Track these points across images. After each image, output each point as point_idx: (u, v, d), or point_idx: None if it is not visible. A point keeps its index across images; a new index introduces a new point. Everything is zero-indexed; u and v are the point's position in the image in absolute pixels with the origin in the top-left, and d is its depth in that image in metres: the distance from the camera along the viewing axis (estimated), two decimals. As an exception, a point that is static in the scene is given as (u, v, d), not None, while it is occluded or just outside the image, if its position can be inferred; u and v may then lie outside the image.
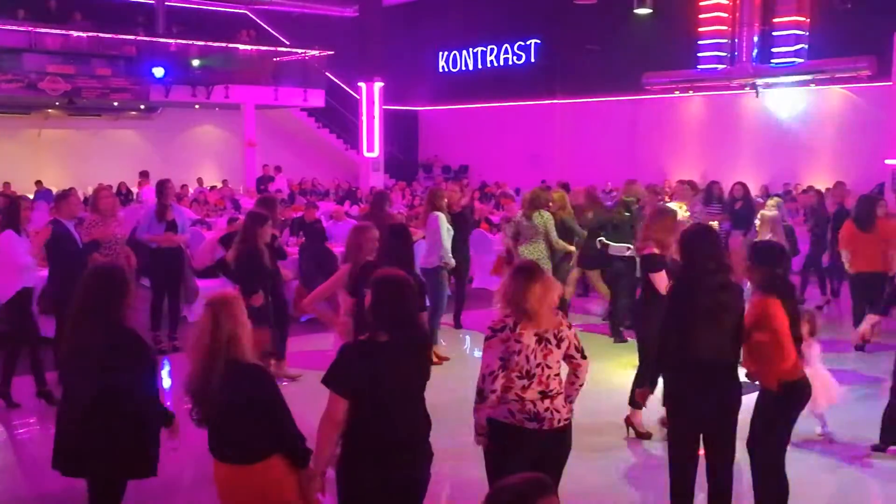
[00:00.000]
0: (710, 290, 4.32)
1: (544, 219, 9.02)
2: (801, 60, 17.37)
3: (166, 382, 8.00)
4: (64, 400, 4.07)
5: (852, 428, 6.39)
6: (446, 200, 9.18)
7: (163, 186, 9.05)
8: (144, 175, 17.70)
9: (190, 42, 21.04)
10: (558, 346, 3.91)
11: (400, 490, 3.51)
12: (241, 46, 22.19)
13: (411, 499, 3.57)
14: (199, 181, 20.60)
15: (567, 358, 3.98)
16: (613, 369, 7.71)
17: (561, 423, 3.89)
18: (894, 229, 9.02)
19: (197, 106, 21.98)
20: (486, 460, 3.97)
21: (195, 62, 20.70)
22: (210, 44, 21.14)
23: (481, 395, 3.89)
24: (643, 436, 6.15)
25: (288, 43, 23.65)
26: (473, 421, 3.94)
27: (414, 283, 3.94)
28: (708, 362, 4.32)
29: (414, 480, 3.55)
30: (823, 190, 13.56)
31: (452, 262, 8.66)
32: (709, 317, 4.31)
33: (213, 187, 19.48)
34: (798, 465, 5.33)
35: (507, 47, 23.92)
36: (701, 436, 4.45)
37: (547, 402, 3.86)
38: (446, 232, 8.64)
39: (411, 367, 3.55)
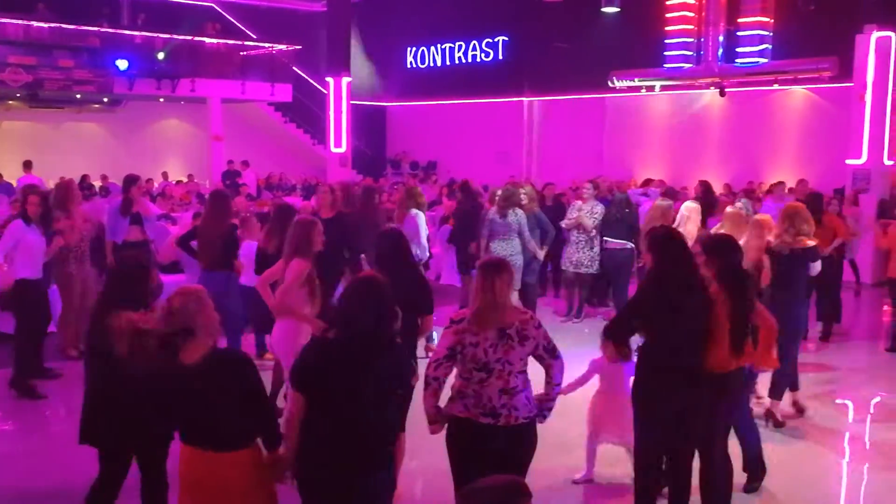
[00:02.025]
0: (678, 293, 4.35)
1: (518, 217, 9.25)
2: (765, 60, 17.58)
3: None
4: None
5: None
6: (424, 198, 9.63)
7: (127, 183, 9.04)
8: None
9: (155, 34, 20.75)
10: (521, 344, 3.89)
11: (341, 493, 3.45)
12: (208, 40, 21.93)
13: (355, 501, 3.51)
14: (164, 175, 20.36)
15: (537, 358, 3.98)
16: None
17: (518, 422, 3.87)
18: (839, 224, 9.46)
19: (162, 99, 21.70)
20: (448, 456, 3.98)
21: (160, 55, 20.42)
22: (175, 36, 20.87)
23: (426, 381, 3.94)
24: (779, 424, 6.60)
25: (255, 37, 23.44)
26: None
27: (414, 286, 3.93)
28: (674, 366, 4.36)
29: (358, 486, 3.47)
30: (787, 189, 13.80)
31: (426, 257, 8.97)
32: (675, 320, 4.34)
33: (178, 181, 19.26)
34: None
35: (475, 44, 23.91)
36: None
37: (505, 398, 3.86)
38: (424, 230, 8.86)
39: (359, 368, 3.47)
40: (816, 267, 6.67)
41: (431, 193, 17.41)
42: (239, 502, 3.49)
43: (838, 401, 7.66)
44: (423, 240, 8.82)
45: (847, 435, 6.77)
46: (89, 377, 4.43)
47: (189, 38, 21.19)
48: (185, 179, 19.59)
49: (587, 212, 10.04)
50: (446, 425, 3.97)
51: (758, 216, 7.14)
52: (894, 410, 7.44)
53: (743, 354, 4.61)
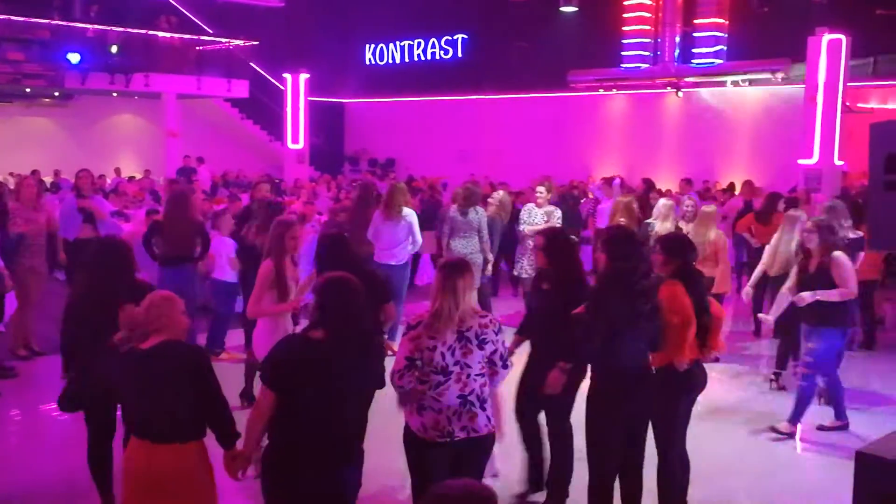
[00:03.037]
0: (633, 295, 4.34)
1: (479, 215, 9.28)
2: (720, 61, 17.83)
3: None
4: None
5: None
6: (408, 197, 9.50)
7: (79, 177, 8.88)
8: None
9: (108, 28, 20.36)
10: (480, 348, 3.86)
11: (315, 490, 3.44)
12: (162, 34, 21.59)
13: (328, 500, 3.49)
14: (117, 171, 19.98)
15: (489, 362, 3.95)
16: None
17: (476, 436, 3.87)
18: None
19: (115, 94, 21.32)
20: (409, 465, 3.95)
21: (113, 48, 20.05)
22: (129, 30, 20.50)
23: (397, 390, 3.91)
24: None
25: (211, 31, 23.14)
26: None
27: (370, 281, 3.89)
28: (628, 370, 4.36)
29: (333, 483, 3.47)
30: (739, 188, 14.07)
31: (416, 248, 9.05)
32: (630, 321, 4.34)
33: (131, 178, 18.92)
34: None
35: (434, 41, 23.90)
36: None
37: (465, 419, 3.82)
38: (418, 228, 8.93)
39: (346, 368, 3.47)
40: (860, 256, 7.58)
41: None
42: (181, 495, 3.48)
43: (789, 395, 7.78)
44: (419, 237, 8.92)
45: (798, 430, 6.88)
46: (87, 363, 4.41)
47: (143, 31, 20.84)
48: (138, 176, 19.26)
49: (543, 215, 9.50)
50: (403, 430, 3.93)
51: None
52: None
53: (707, 349, 4.73)
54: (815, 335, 6.38)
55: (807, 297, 6.24)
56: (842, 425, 6.63)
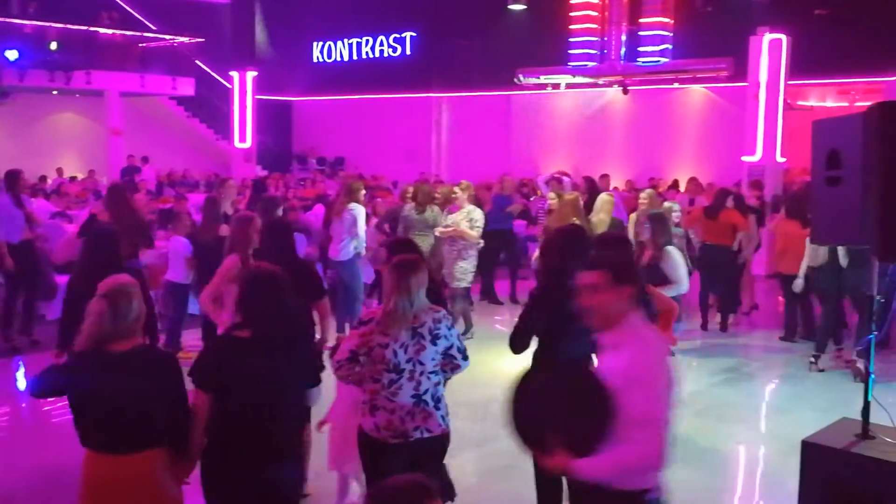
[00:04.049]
0: (569, 296, 4.32)
1: (434, 213, 9.41)
2: (665, 60, 18.09)
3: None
4: None
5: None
6: (363, 192, 9.44)
7: (13, 177, 8.63)
8: None
9: (47, 24, 19.85)
10: (433, 343, 3.85)
11: (253, 488, 3.41)
12: (103, 30, 21.12)
13: (267, 499, 3.46)
14: (59, 171, 19.51)
15: (448, 357, 3.95)
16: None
17: (431, 436, 3.86)
18: (738, 217, 9.79)
19: (55, 92, 20.81)
20: (363, 465, 3.93)
21: (53, 45, 19.55)
22: (69, 26, 20.01)
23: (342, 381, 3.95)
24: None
25: (155, 28, 22.72)
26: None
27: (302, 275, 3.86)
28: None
29: (270, 479, 3.43)
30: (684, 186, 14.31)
31: (363, 250, 8.90)
32: (573, 322, 4.35)
33: (73, 178, 18.50)
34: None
35: (382, 39, 23.81)
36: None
37: (419, 418, 3.81)
38: (363, 224, 8.86)
39: (275, 366, 3.43)
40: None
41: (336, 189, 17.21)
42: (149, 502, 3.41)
43: (737, 387, 7.95)
44: (362, 233, 8.85)
45: (745, 420, 7.02)
46: None
47: (84, 28, 20.37)
48: (80, 176, 18.82)
49: (464, 219, 9.10)
50: (357, 432, 3.91)
51: None
52: (788, 397, 7.74)
53: None
54: None
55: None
56: None
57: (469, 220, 9.08)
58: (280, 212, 7.36)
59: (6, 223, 8.49)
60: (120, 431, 3.35)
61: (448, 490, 4.17)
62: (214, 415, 3.42)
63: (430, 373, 3.84)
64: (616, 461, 2.86)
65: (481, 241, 9.23)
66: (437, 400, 3.89)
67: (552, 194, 10.28)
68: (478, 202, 9.97)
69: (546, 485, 4.49)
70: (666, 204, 9.35)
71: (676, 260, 6.33)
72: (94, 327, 3.39)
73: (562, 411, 2.98)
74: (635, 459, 2.88)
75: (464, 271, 9.14)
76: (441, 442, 3.93)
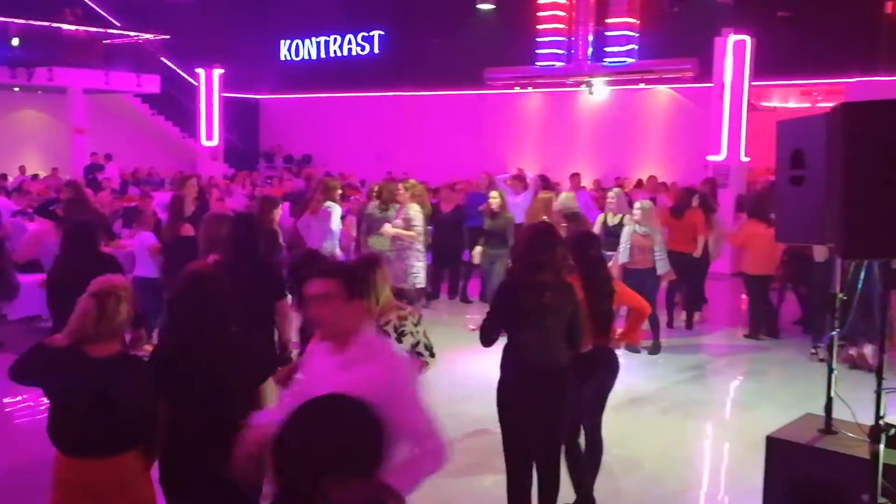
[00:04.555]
0: (535, 290, 4.29)
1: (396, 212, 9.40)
2: (631, 60, 18.24)
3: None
4: None
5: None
6: (340, 192, 9.36)
7: None
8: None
9: (8, 19, 19.50)
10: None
11: (214, 486, 3.37)
12: (67, 26, 20.80)
13: (228, 496, 3.43)
14: (21, 169, 19.18)
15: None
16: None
17: None
18: (701, 218, 9.87)
19: (17, 88, 20.45)
20: None
21: (14, 41, 19.21)
22: (31, 22, 19.68)
23: None
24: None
25: (119, 24, 22.42)
26: None
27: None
28: (534, 365, 4.33)
29: (231, 478, 3.42)
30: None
31: (339, 252, 8.82)
32: (533, 318, 4.31)
33: (35, 176, 18.19)
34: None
35: (350, 38, 23.73)
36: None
37: None
38: (337, 224, 8.81)
39: (215, 364, 3.41)
40: None
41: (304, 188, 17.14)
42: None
43: (702, 383, 8.05)
44: (336, 230, 8.82)
45: (710, 416, 7.11)
46: None
47: (47, 24, 20.05)
48: (42, 174, 18.51)
49: (401, 219, 9.21)
50: None
51: None
52: (752, 393, 7.86)
53: (606, 337, 4.83)
54: None
55: None
56: None
57: (405, 218, 9.10)
58: (278, 212, 7.39)
59: None
60: (94, 436, 3.32)
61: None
62: (172, 417, 3.42)
63: None
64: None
65: (420, 239, 9.17)
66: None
67: (494, 193, 10.15)
68: (423, 202, 9.87)
69: (516, 481, 4.51)
70: (637, 203, 9.40)
71: None
72: (77, 324, 3.35)
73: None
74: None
75: (411, 270, 9.11)
76: None
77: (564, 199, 9.40)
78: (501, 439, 4.53)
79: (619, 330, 5.24)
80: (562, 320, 4.33)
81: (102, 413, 3.29)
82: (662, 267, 8.54)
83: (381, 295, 3.85)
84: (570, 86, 19.35)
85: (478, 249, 8.60)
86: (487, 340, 4.43)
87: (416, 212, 9.20)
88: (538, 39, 19.30)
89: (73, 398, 3.32)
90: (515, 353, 4.37)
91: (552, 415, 4.37)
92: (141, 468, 3.44)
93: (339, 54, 24.01)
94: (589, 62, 18.64)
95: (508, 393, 4.40)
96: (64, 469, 3.37)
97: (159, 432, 3.44)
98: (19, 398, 7.02)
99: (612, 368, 5.02)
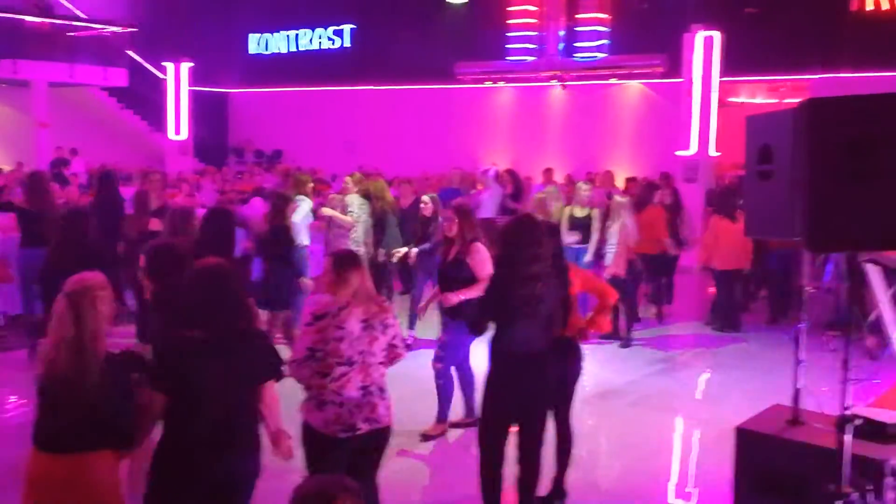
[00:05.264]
0: (528, 283, 4.37)
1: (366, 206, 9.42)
2: (602, 56, 18.33)
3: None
4: None
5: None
6: (311, 185, 9.54)
7: None
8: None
9: (-30, 11, 19.15)
10: (384, 333, 3.91)
11: (208, 485, 3.39)
12: (29, 18, 20.44)
13: (224, 494, 3.44)
14: (-16, 163, 18.85)
15: (390, 347, 3.98)
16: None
17: (377, 427, 3.88)
18: (660, 215, 9.91)
19: (-21, 81, 20.10)
20: (306, 462, 3.91)
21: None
22: (-6, 14, 19.33)
23: (301, 383, 3.86)
24: None
25: (85, 16, 22.09)
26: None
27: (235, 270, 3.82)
28: (521, 353, 4.40)
29: (227, 476, 3.42)
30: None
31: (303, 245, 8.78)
32: (525, 310, 4.37)
33: (-1, 170, 17.86)
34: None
35: (320, 31, 23.60)
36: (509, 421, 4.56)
37: (366, 410, 3.82)
38: (307, 218, 8.92)
39: (230, 361, 3.40)
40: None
41: (274, 182, 17.04)
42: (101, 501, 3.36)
43: (672, 376, 8.13)
44: (300, 226, 8.77)
45: (679, 409, 7.18)
46: None
47: (9, 15, 19.69)
48: (6, 168, 18.19)
49: (338, 204, 9.35)
50: (302, 428, 3.89)
51: None
52: (721, 385, 7.95)
53: (564, 326, 4.82)
54: (448, 328, 6.15)
55: (452, 298, 5.80)
56: (471, 422, 6.08)
57: (342, 206, 9.30)
58: (292, 208, 7.79)
59: None
60: (68, 430, 3.30)
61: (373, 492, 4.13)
62: (171, 412, 3.38)
63: (379, 363, 3.88)
64: None
65: (359, 227, 9.24)
66: (382, 391, 3.93)
67: (426, 199, 9.18)
68: (366, 195, 9.77)
69: (488, 477, 4.55)
70: (617, 198, 9.47)
71: (485, 257, 5.87)
72: (56, 328, 3.31)
73: None
74: None
75: None
76: (386, 433, 3.96)
77: (548, 194, 9.48)
78: (479, 421, 4.59)
79: (585, 318, 5.26)
80: (549, 309, 4.43)
81: (77, 409, 3.27)
82: (609, 260, 8.66)
83: (363, 289, 3.87)
84: (541, 80, 19.41)
85: (414, 251, 8.54)
86: (479, 330, 4.56)
87: (354, 201, 9.32)
88: (508, 34, 19.33)
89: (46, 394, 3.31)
90: (505, 343, 4.42)
91: (536, 400, 4.48)
92: (113, 467, 3.40)
93: (309, 48, 23.87)
94: (560, 57, 18.71)
95: (497, 381, 4.46)
96: (33, 464, 3.35)
97: (148, 425, 3.41)
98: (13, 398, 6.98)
99: (574, 357, 5.04)
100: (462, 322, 5.65)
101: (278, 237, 7.52)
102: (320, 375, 3.80)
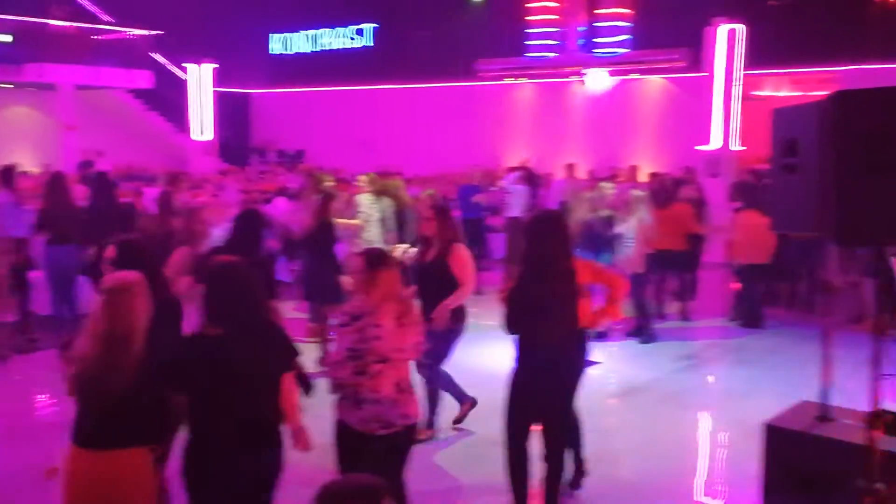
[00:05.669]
0: (560, 278, 4.39)
1: (384, 205, 9.33)
2: (623, 51, 18.23)
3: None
4: None
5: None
6: (330, 184, 9.65)
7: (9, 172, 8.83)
8: None
9: (-2, 16, 19.41)
10: (413, 330, 3.96)
11: (236, 482, 3.42)
12: (55, 22, 20.68)
13: (253, 490, 3.47)
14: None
15: (417, 344, 4.01)
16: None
17: (409, 423, 3.92)
18: (686, 211, 9.82)
19: (11, 85, 20.34)
20: (337, 460, 3.93)
21: (8, 38, 19.12)
22: (20, 18, 19.57)
23: (336, 387, 3.88)
24: None
25: (112, 20, 22.32)
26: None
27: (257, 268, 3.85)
28: (550, 348, 4.42)
29: (252, 468, 3.46)
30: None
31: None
32: (551, 308, 4.40)
33: (23, 173, 18.08)
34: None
35: (342, 31, 23.68)
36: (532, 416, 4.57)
37: (401, 406, 3.85)
38: None
39: (251, 359, 3.43)
40: None
41: (297, 183, 17.12)
42: (135, 501, 3.40)
43: (697, 372, 8.09)
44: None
45: (706, 406, 7.14)
46: None
47: (36, 19, 19.95)
48: (35, 171, 18.42)
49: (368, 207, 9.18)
50: (337, 427, 3.92)
51: None
52: (748, 381, 7.88)
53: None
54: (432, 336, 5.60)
55: (441, 322, 5.58)
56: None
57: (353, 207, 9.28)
58: (335, 205, 8.07)
59: (8, 219, 8.51)
60: (105, 427, 3.35)
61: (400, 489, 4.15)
62: (193, 410, 3.42)
63: (409, 360, 3.90)
64: None
65: (371, 228, 9.13)
66: (412, 387, 3.96)
67: (424, 195, 9.47)
68: (381, 194, 9.68)
69: (515, 472, 4.56)
70: (635, 192, 9.41)
71: (467, 260, 5.68)
72: (93, 325, 3.37)
73: None
74: None
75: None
76: (415, 430, 4.00)
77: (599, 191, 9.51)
78: (504, 419, 4.58)
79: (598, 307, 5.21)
80: (573, 305, 4.44)
81: (112, 405, 3.32)
82: (626, 255, 8.62)
83: (394, 288, 3.89)
84: (562, 76, 19.34)
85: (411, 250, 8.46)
86: (513, 329, 4.50)
87: (364, 200, 9.27)
88: (528, 31, 19.28)
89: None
90: (532, 340, 4.43)
91: (560, 397, 4.52)
92: (147, 463, 3.44)
93: (330, 48, 23.95)
94: (580, 52, 18.64)
95: (521, 379, 4.49)
96: (72, 461, 3.40)
97: (175, 425, 3.46)
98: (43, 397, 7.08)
99: (581, 348, 5.01)
100: (447, 330, 5.60)
101: (324, 233, 7.76)
102: (356, 374, 3.83)
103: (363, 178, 9.74)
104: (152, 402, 3.39)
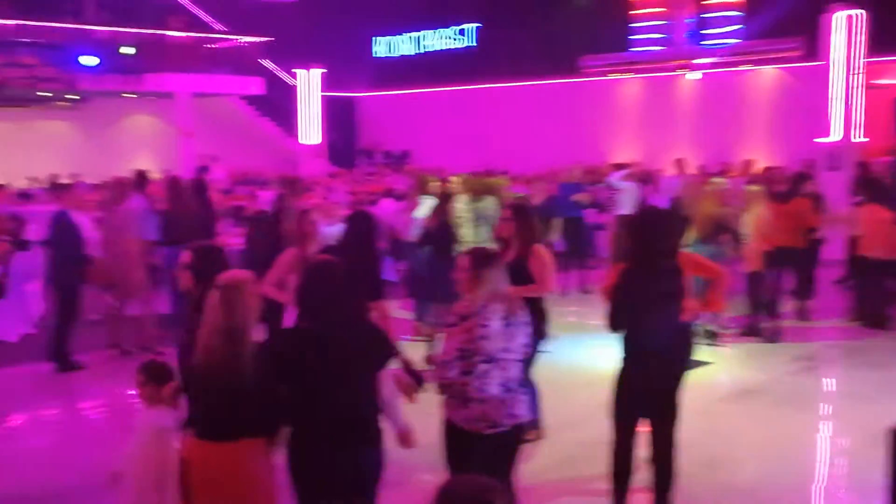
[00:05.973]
0: (666, 275, 4.34)
1: (487, 203, 9.42)
2: (735, 41, 17.68)
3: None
4: None
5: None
6: (435, 185, 9.92)
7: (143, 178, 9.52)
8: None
9: (120, 29, 20.46)
10: (520, 331, 3.92)
11: (337, 472, 3.47)
12: (172, 33, 21.65)
13: (354, 488, 3.53)
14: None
15: (525, 345, 3.98)
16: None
17: (517, 423, 3.91)
18: (807, 206, 9.38)
19: (134, 95, 21.43)
20: (445, 459, 3.96)
21: (128, 50, 20.14)
22: (140, 30, 20.58)
23: (443, 387, 3.88)
24: None
25: (226, 29, 23.19)
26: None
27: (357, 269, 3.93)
28: (656, 346, 4.37)
29: (354, 464, 3.50)
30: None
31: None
32: (658, 304, 4.35)
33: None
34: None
35: (445, 32, 23.86)
36: (639, 416, 4.51)
37: (509, 406, 3.84)
38: (422, 213, 9.05)
39: (345, 354, 3.48)
40: None
41: (403, 184, 17.36)
42: (256, 492, 3.50)
43: (817, 374, 7.76)
44: (419, 221, 8.98)
45: (825, 409, 6.84)
46: None
47: (155, 31, 20.93)
48: (155, 176, 19.33)
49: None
50: (445, 426, 3.95)
51: None
52: (871, 384, 7.50)
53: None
54: None
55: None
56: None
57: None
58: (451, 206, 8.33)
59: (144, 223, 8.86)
60: (227, 418, 3.46)
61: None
62: (294, 403, 3.50)
63: (517, 360, 3.89)
64: None
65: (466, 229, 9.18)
66: (520, 387, 3.94)
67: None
68: (478, 193, 9.70)
69: (619, 473, 4.49)
70: (751, 188, 9.15)
71: (546, 261, 5.53)
72: (208, 317, 3.50)
73: None
74: None
75: None
76: (524, 428, 3.99)
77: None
78: (611, 419, 4.54)
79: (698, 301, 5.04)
80: (678, 303, 4.38)
81: (233, 396, 3.43)
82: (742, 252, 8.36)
83: (500, 286, 3.89)
84: (669, 70, 18.92)
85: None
86: (618, 326, 4.45)
87: (458, 202, 9.32)
88: (632, 25, 18.95)
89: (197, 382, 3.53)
90: (636, 338, 4.39)
91: (669, 397, 4.44)
92: (265, 454, 3.54)
93: (432, 49, 24.17)
94: (689, 45, 18.19)
95: (628, 377, 4.45)
96: (193, 452, 3.54)
97: (281, 418, 3.55)
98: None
99: (686, 342, 4.88)
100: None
101: (443, 233, 8.00)
102: (463, 374, 3.84)
103: (456, 179, 9.86)
104: (265, 394, 3.49)
